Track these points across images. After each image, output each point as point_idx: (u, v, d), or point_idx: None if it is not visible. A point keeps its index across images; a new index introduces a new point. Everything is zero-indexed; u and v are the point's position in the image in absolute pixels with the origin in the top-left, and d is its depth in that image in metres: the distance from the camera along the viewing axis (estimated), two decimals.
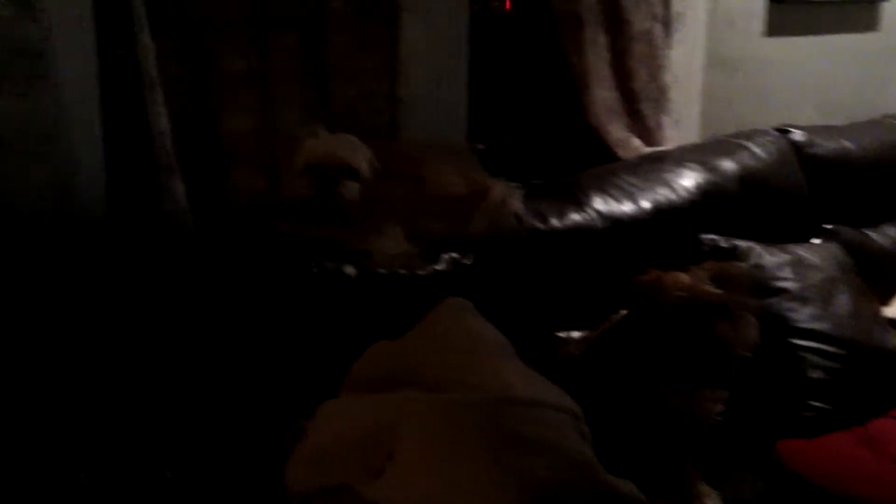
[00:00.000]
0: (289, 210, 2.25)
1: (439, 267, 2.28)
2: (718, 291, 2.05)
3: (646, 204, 2.60)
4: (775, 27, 3.37)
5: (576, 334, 2.44)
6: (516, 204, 2.42)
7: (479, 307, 2.29)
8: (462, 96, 2.65)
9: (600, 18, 2.80)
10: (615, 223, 2.54)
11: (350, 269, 2.15)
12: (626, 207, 2.57)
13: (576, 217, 2.50)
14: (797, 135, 3.06)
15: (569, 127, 2.96)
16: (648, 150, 2.93)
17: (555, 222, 2.47)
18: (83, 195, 2.16)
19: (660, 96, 2.97)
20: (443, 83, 2.59)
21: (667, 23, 2.97)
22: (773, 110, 3.40)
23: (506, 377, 1.78)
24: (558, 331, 2.43)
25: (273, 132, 2.36)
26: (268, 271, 2.11)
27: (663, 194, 2.65)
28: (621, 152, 2.89)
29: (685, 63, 3.06)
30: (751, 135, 2.98)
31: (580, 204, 2.53)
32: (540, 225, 2.45)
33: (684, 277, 2.08)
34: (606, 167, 2.75)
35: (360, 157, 2.24)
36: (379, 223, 2.24)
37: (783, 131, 3.05)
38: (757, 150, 2.90)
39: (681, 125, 3.07)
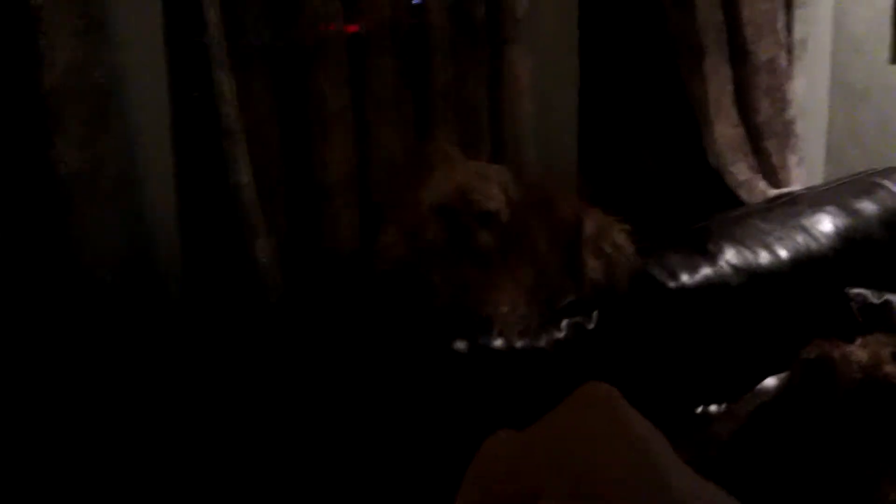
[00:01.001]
0: (416, 256, 1.88)
1: (560, 335, 1.90)
2: None
3: (783, 253, 2.20)
4: None
5: (714, 408, 2.05)
6: (619, 238, 2.03)
7: (603, 377, 1.92)
8: (573, 135, 2.28)
9: (723, 47, 2.41)
10: (751, 277, 2.14)
11: (461, 345, 1.78)
12: (763, 259, 2.18)
13: (707, 271, 2.11)
14: None
15: (686, 167, 2.57)
16: (775, 192, 2.52)
17: (685, 278, 2.08)
18: (156, 257, 1.83)
19: (785, 132, 2.57)
20: (551, 120, 2.22)
21: (790, 50, 2.58)
22: None
23: (675, 494, 1.39)
24: (695, 405, 2.04)
25: (372, 170, 2.00)
26: (361, 348, 1.77)
27: (802, 242, 2.24)
28: (745, 195, 2.50)
29: (809, 94, 2.66)
30: (887, 172, 2.55)
31: (712, 256, 2.14)
32: (670, 282, 2.06)
33: (860, 354, 1.67)
34: (736, 212, 2.36)
35: (497, 195, 1.85)
36: (503, 276, 1.88)
37: None
38: None
39: (805, 163, 2.66)
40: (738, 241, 2.19)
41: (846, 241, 2.28)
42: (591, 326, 1.94)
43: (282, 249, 1.91)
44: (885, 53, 2.91)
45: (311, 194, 1.96)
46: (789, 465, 1.66)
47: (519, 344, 1.83)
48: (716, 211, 2.35)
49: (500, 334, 1.82)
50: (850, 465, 1.63)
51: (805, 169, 2.66)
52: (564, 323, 1.91)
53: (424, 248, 1.79)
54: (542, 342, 1.87)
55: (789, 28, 2.57)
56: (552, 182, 2.07)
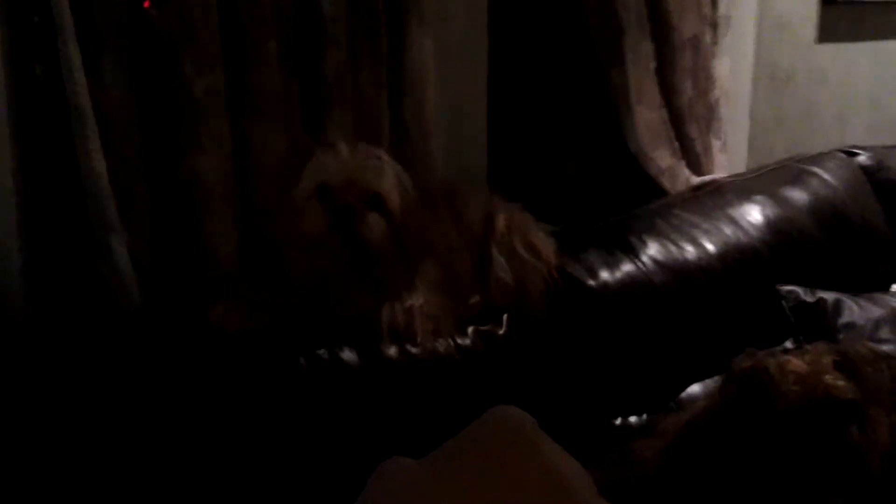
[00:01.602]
0: (288, 254, 1.60)
1: (466, 342, 1.66)
2: (845, 384, 1.43)
3: (711, 247, 2.00)
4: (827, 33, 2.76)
5: (635, 420, 1.83)
6: (536, 238, 1.80)
7: (516, 389, 1.69)
8: (482, 121, 2.03)
9: (644, 23, 2.18)
10: (677, 273, 1.93)
11: (349, 355, 1.52)
12: (689, 253, 1.97)
13: (629, 268, 1.89)
14: (864, 157, 2.45)
15: (604, 154, 2.34)
16: (698, 179, 2.31)
17: (605, 276, 1.86)
18: None
19: (708, 115, 2.36)
20: (458, 109, 1.97)
21: (714, 27, 2.37)
22: (825, 129, 2.81)
23: None
24: (614, 416, 1.82)
25: (252, 169, 1.72)
26: (238, 369, 1.49)
27: (730, 235, 2.04)
28: (668, 183, 2.28)
29: (733, 75, 2.45)
30: (817, 159, 2.37)
31: (633, 251, 1.92)
32: (589, 280, 1.83)
33: (797, 364, 1.46)
34: (658, 204, 2.14)
35: (390, 179, 1.58)
36: (405, 271, 1.62)
37: (849, 153, 2.44)
38: (827, 176, 2.29)
39: (728, 148, 2.45)
40: (661, 235, 1.98)
41: (777, 234, 2.08)
42: (501, 332, 1.70)
43: (140, 258, 1.62)
44: (812, 33, 2.74)
45: (177, 194, 1.67)
46: (722, 491, 1.45)
47: (417, 352, 1.58)
48: (637, 203, 2.12)
49: (406, 334, 1.57)
50: (789, 490, 1.43)
51: (730, 157, 2.47)
52: (471, 329, 1.67)
53: (303, 242, 1.52)
54: (444, 350, 1.62)
55: (713, 3, 2.35)
56: (458, 179, 1.82)
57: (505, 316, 1.71)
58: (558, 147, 2.30)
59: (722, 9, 2.37)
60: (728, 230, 2.03)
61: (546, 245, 1.77)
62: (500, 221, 1.73)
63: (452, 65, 1.94)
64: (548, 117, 2.28)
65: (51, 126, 1.56)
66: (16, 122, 1.53)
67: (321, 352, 1.51)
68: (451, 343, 1.63)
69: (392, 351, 1.55)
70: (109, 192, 1.55)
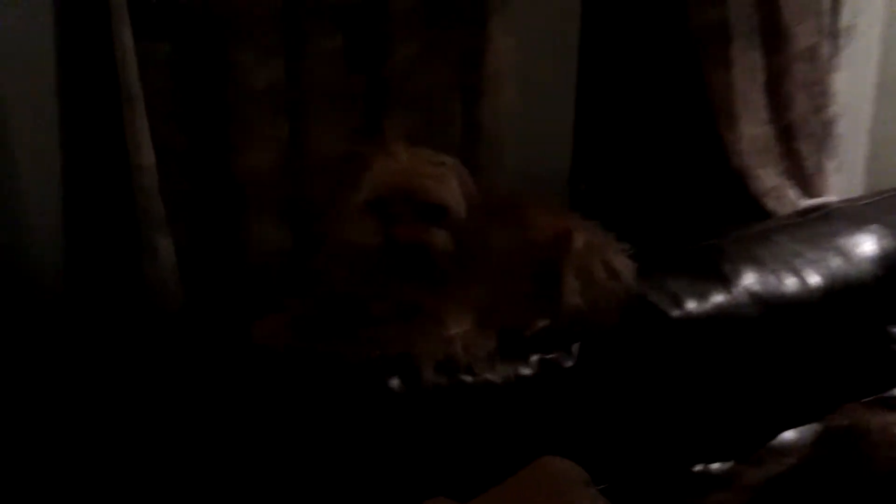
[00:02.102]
0: (335, 268, 1.46)
1: (526, 371, 1.49)
2: None
3: (814, 280, 1.76)
4: None
5: (717, 467, 1.63)
6: (615, 260, 1.61)
7: (581, 427, 1.52)
8: (567, 126, 1.86)
9: (755, 30, 1.97)
10: (773, 307, 1.71)
11: (394, 382, 1.38)
12: (789, 286, 1.74)
13: (719, 299, 1.68)
14: None
15: (700, 169, 2.12)
16: (807, 202, 2.08)
17: (691, 306, 1.66)
18: (31, 262, 1.46)
19: (823, 132, 2.12)
20: (542, 107, 1.80)
21: (834, 38, 2.13)
22: None
23: None
24: (693, 462, 1.62)
25: (307, 170, 1.59)
26: (275, 394, 1.37)
27: (837, 267, 1.80)
28: (772, 205, 2.05)
29: (852, 90, 2.20)
30: None
31: (725, 280, 1.71)
32: (673, 310, 1.64)
33: None
34: (758, 227, 1.91)
35: (453, 187, 1.42)
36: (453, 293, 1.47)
37: None
38: None
39: (843, 169, 2.21)
40: (759, 263, 1.75)
41: (891, 269, 1.83)
42: (570, 364, 1.53)
43: (184, 258, 1.52)
44: None
45: (225, 194, 1.56)
46: None
47: (469, 380, 1.42)
48: (734, 226, 1.91)
49: (451, 364, 1.42)
50: None
51: (845, 179, 2.22)
52: (534, 358, 1.51)
53: (354, 260, 1.38)
54: (500, 378, 1.46)
55: (835, 12, 2.12)
56: (530, 190, 1.65)
57: (575, 346, 1.54)
58: (649, 159, 2.10)
59: (845, 19, 2.14)
60: (835, 262, 1.80)
61: (626, 268, 1.59)
62: (579, 240, 1.55)
63: (537, 65, 1.77)
64: (640, 126, 2.07)
65: (100, 117, 1.47)
66: (65, 111, 1.45)
67: (365, 379, 1.37)
68: (511, 372, 1.46)
69: (442, 380, 1.40)
70: (157, 188, 1.46)
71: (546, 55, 1.79)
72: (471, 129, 1.70)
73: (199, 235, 1.55)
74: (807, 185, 2.13)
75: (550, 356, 1.52)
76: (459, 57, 1.65)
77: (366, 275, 1.39)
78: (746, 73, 1.98)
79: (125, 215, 1.48)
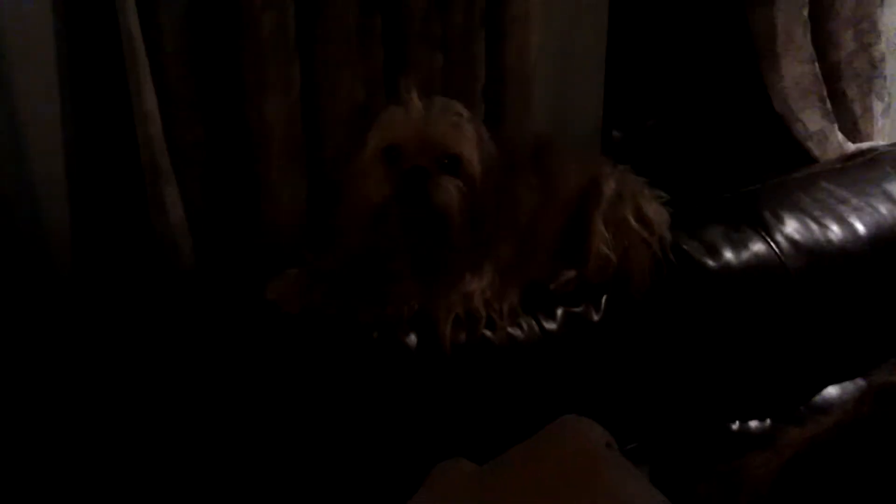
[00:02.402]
0: (349, 222, 1.38)
1: (552, 326, 1.41)
2: None
3: (860, 228, 1.66)
4: None
5: (755, 425, 1.54)
6: (650, 207, 1.51)
7: (610, 383, 1.44)
8: (599, 67, 1.75)
9: None
10: (817, 256, 1.61)
11: (412, 339, 1.30)
12: (834, 234, 1.63)
13: (759, 248, 1.58)
14: None
15: (740, 113, 2.00)
16: (854, 147, 1.96)
17: (729, 256, 1.56)
18: (35, 216, 1.39)
19: (871, 73, 1.99)
20: (572, 47, 1.70)
21: None
22: None
23: None
24: (731, 418, 1.54)
25: (323, 116, 1.51)
26: (291, 356, 1.30)
27: (885, 214, 1.69)
28: (816, 150, 1.93)
29: None
30: None
31: (766, 228, 1.61)
32: (709, 261, 1.54)
33: None
34: (801, 173, 1.80)
35: (470, 139, 1.32)
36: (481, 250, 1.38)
37: None
38: None
39: (892, 112, 2.08)
40: (801, 210, 1.65)
41: None
42: (597, 318, 1.44)
43: (196, 212, 1.45)
44: None
45: (238, 143, 1.47)
46: None
47: (492, 336, 1.34)
48: (776, 171, 1.80)
49: (470, 319, 1.34)
50: None
51: (891, 120, 2.09)
52: (560, 311, 1.42)
53: (369, 214, 1.29)
54: (523, 334, 1.38)
55: None
56: (558, 136, 1.55)
57: (604, 298, 1.45)
58: (687, 102, 1.98)
59: None
60: (883, 209, 1.69)
61: (659, 216, 1.49)
62: (609, 186, 1.46)
63: (565, 2, 1.66)
64: (677, 68, 1.95)
65: (102, 61, 1.39)
66: (64, 55, 1.37)
67: (380, 337, 1.30)
68: (536, 326, 1.38)
69: (461, 336, 1.32)
70: (162, 137, 1.38)
71: None
72: (496, 72, 1.59)
73: (212, 188, 1.47)
74: (853, 128, 2.01)
75: (577, 309, 1.44)
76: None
77: (381, 229, 1.31)
78: (790, 8, 1.86)
79: (131, 165, 1.41)
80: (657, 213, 1.49)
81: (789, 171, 1.80)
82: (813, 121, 1.92)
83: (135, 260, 1.44)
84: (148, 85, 1.35)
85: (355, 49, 1.48)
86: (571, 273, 1.44)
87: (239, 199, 1.49)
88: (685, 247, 1.53)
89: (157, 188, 1.39)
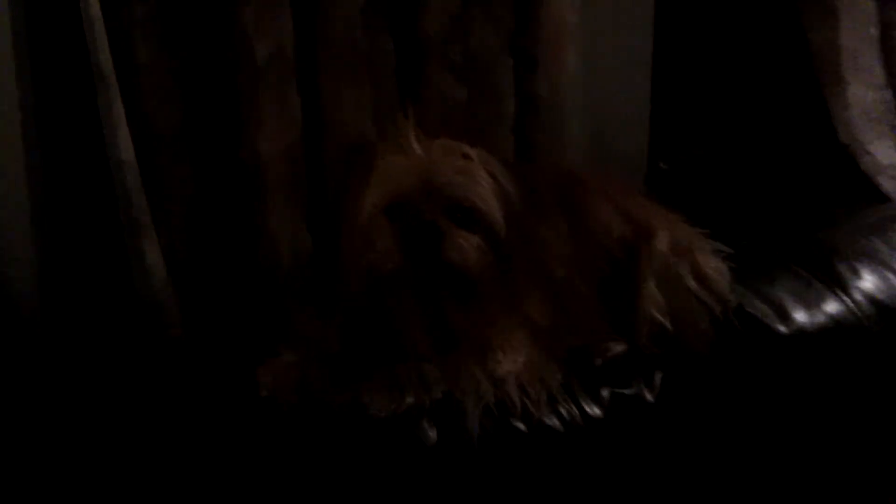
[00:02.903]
0: (357, 291, 1.13)
1: (596, 411, 1.18)
2: None
3: None
4: None
5: None
6: (709, 263, 1.28)
7: (667, 479, 1.22)
8: (644, 95, 1.53)
9: None
10: None
11: (431, 433, 1.08)
12: None
13: (835, 308, 1.34)
14: None
15: (799, 143, 1.76)
16: None
17: (801, 318, 1.32)
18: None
19: None
20: (613, 75, 1.48)
21: None
22: None
23: None
24: None
25: (328, 153, 1.29)
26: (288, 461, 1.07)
27: None
28: (889, 185, 1.68)
29: None
30: None
31: (841, 283, 1.37)
32: (779, 325, 1.30)
33: None
34: (875, 216, 1.56)
35: (483, 181, 1.09)
36: (501, 312, 1.15)
37: None
38: None
39: None
40: (880, 261, 1.41)
41: None
42: (651, 398, 1.21)
43: (182, 265, 1.24)
44: None
45: (230, 183, 1.26)
46: None
47: (522, 427, 1.11)
48: (846, 211, 1.56)
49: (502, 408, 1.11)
50: None
51: None
52: (605, 393, 1.19)
53: (376, 279, 1.07)
54: (561, 423, 1.14)
55: None
56: (597, 173, 1.33)
57: (658, 375, 1.22)
58: (741, 134, 1.75)
59: None
60: None
61: (721, 274, 1.26)
62: (662, 238, 1.24)
63: (606, 23, 1.44)
64: (729, 95, 1.72)
65: (72, 103, 1.18)
66: (28, 94, 1.16)
67: (394, 432, 1.07)
68: (577, 412, 1.15)
69: (489, 427, 1.09)
70: (141, 189, 1.17)
71: (617, 11, 1.45)
72: (526, 103, 1.38)
73: (200, 238, 1.26)
74: None
75: (626, 390, 1.20)
76: (510, 14, 1.33)
77: (391, 300, 1.09)
78: (857, 27, 1.64)
79: (107, 217, 1.20)
80: (717, 270, 1.26)
81: (861, 211, 1.57)
82: (885, 152, 1.68)
83: (113, 327, 1.23)
84: (123, 130, 1.14)
85: (363, 78, 1.27)
86: (620, 346, 1.21)
87: (232, 251, 1.28)
88: (750, 309, 1.30)
89: (137, 245, 1.18)
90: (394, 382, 1.07)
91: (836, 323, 1.32)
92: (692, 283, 1.22)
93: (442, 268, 1.05)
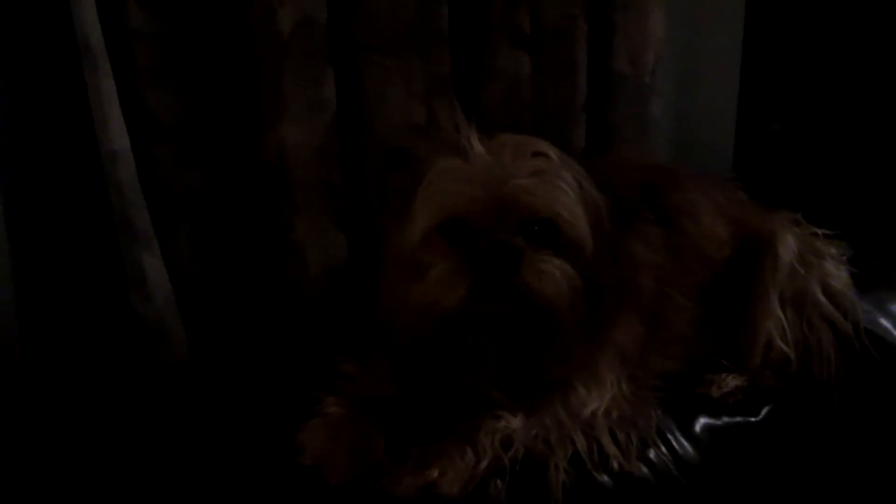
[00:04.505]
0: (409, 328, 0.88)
1: (688, 452, 0.94)
2: None
3: None
4: None
5: None
6: (839, 276, 1.03)
7: None
8: (733, 68, 1.27)
9: None
10: None
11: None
12: None
13: None
14: None
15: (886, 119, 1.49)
16: None
17: None
18: None
19: None
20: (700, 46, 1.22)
21: None
22: None
23: None
24: None
25: (367, 145, 1.05)
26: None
27: None
28: None
29: None
30: None
31: None
32: None
33: None
34: None
35: (565, 188, 0.84)
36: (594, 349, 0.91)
37: None
38: None
39: None
40: None
41: None
42: (758, 435, 0.97)
43: (190, 281, 1.00)
44: None
45: (248, 182, 1.01)
46: None
47: (606, 481, 0.87)
48: None
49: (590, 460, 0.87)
50: None
51: None
52: (700, 426, 0.95)
53: (433, 319, 0.82)
54: (651, 470, 0.91)
55: None
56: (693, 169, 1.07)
57: (766, 408, 0.98)
58: (835, 133, 1.47)
59: None
60: None
61: (848, 287, 1.01)
62: (788, 246, 0.99)
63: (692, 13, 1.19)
64: (810, 61, 1.44)
65: (56, 84, 0.94)
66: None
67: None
68: (667, 456, 0.91)
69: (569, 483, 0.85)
70: (138, 186, 0.93)
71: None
72: (601, 79, 1.12)
73: (211, 251, 1.02)
74: None
75: (724, 422, 0.96)
76: None
77: (454, 338, 0.84)
78: None
79: (101, 224, 0.96)
80: (844, 283, 1.01)
81: None
82: None
83: (108, 356, 0.99)
84: (115, 114, 0.89)
85: (412, 53, 1.02)
86: (738, 380, 0.97)
87: (249, 265, 1.04)
88: (870, 326, 1.05)
89: (134, 256, 0.94)
90: (468, 443, 0.83)
91: None
92: (822, 300, 0.98)
93: (519, 297, 0.81)
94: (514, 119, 1.06)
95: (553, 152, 0.85)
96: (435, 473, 0.81)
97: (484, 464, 0.83)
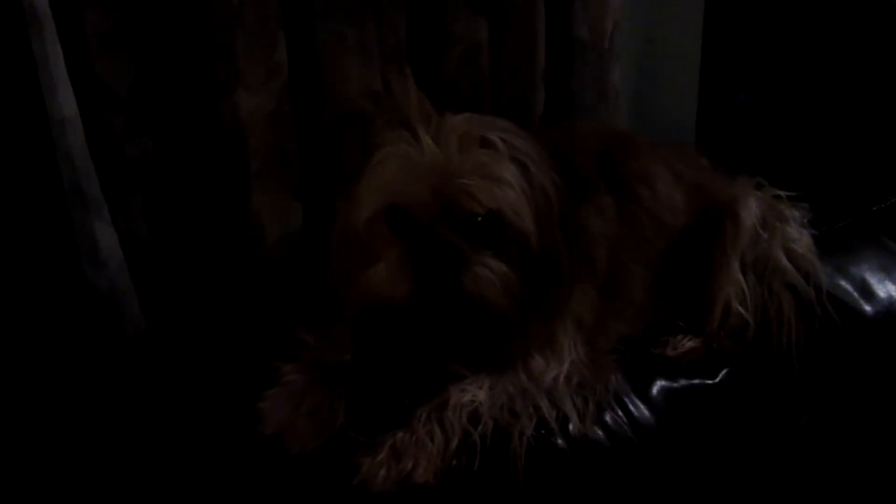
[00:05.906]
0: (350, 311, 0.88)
1: (642, 414, 0.92)
2: None
3: None
4: None
5: None
6: (801, 240, 1.01)
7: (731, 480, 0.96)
8: (696, 36, 1.24)
9: None
10: None
11: None
12: None
13: None
14: None
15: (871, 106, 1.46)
16: None
17: (884, 296, 1.06)
18: None
19: None
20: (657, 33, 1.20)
21: None
22: None
23: None
24: None
25: (325, 111, 1.01)
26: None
27: None
28: None
29: None
30: None
31: None
32: (864, 304, 1.05)
33: None
34: None
35: (512, 179, 0.80)
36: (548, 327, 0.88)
37: None
38: None
39: None
40: None
41: None
42: (711, 395, 0.95)
43: (144, 252, 0.96)
44: None
45: (202, 150, 0.98)
46: None
47: (561, 443, 0.85)
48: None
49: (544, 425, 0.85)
50: None
51: None
52: (657, 388, 0.93)
53: (380, 301, 0.80)
54: (606, 434, 0.89)
55: None
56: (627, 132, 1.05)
57: (724, 370, 0.95)
58: (784, 72, 1.44)
59: None
60: None
61: (812, 251, 1.00)
62: (749, 213, 0.96)
63: None
64: (775, 28, 1.41)
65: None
66: None
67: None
68: (623, 419, 0.89)
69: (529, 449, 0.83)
70: (87, 153, 0.89)
71: None
72: (560, 46, 1.09)
73: (165, 220, 0.98)
74: None
75: (680, 384, 0.94)
76: None
77: (401, 327, 0.82)
78: None
79: (51, 192, 0.92)
80: (807, 247, 0.98)
81: None
82: None
83: (61, 326, 0.96)
84: (64, 82, 0.86)
85: (367, 20, 0.98)
86: (694, 342, 0.95)
87: (204, 235, 1.00)
88: (833, 290, 1.03)
89: (85, 223, 0.91)
90: (437, 423, 0.80)
91: None
92: (785, 265, 0.96)
93: (459, 300, 0.78)
94: (472, 87, 1.04)
95: (500, 137, 0.81)
96: (409, 465, 0.79)
97: (454, 442, 0.80)
